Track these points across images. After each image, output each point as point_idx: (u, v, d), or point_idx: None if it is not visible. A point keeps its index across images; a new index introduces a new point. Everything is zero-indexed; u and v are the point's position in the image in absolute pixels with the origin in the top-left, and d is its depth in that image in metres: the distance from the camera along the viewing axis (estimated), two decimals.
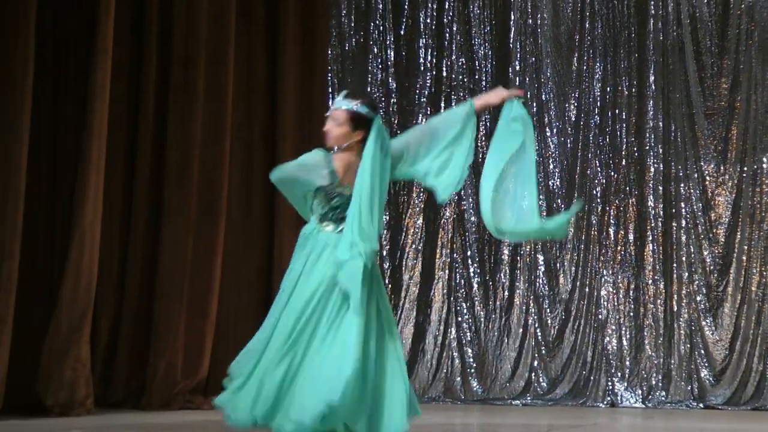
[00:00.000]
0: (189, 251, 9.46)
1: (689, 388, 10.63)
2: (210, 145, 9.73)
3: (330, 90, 11.42)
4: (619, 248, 10.99)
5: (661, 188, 10.97)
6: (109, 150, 8.88)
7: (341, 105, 5.63)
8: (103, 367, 9.17)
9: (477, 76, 11.43)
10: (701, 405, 10.54)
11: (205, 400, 9.45)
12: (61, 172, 8.98)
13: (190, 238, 9.48)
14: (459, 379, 11.01)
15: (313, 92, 11.10)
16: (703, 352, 10.69)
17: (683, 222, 10.90)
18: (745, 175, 10.84)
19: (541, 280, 11.05)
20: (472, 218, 11.26)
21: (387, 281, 11.25)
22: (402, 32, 11.62)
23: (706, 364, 10.66)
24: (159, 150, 9.55)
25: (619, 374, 10.76)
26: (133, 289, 9.37)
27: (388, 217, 11.33)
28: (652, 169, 11.01)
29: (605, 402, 10.70)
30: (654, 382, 10.70)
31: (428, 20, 11.58)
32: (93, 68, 8.69)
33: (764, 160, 10.82)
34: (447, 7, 11.55)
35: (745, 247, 10.75)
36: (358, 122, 5.60)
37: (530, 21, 11.40)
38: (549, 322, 10.97)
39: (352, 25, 11.61)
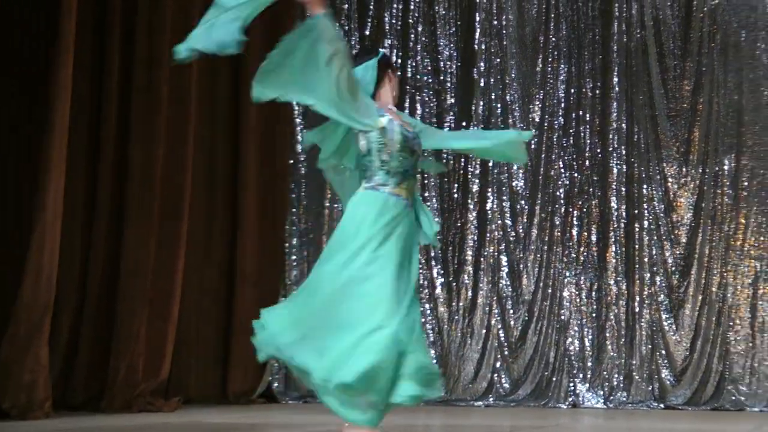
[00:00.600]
0: (151, 253, 9.43)
1: (650, 389, 10.66)
2: (173, 148, 9.70)
3: None
4: (581, 249, 11.00)
5: (623, 190, 10.98)
6: (72, 150, 8.85)
7: None
8: (63, 368, 9.11)
9: (442, 77, 11.41)
10: (662, 405, 10.58)
11: (166, 402, 9.43)
12: (22, 171, 8.93)
13: (152, 240, 9.44)
14: None
15: None
16: (664, 352, 10.72)
17: (645, 223, 10.92)
18: (706, 176, 10.87)
19: (504, 281, 11.04)
20: (436, 219, 11.24)
21: None
22: (367, 32, 11.58)
23: (667, 365, 10.69)
24: (122, 151, 9.52)
25: (581, 375, 10.77)
26: (95, 290, 9.32)
27: None
28: (615, 171, 11.02)
29: (567, 403, 10.72)
30: (615, 383, 10.72)
31: (393, 21, 11.55)
32: (55, 67, 8.64)
33: (725, 162, 10.85)
34: (412, 7, 11.52)
35: (706, 249, 10.79)
36: None
37: (495, 22, 11.39)
38: (512, 323, 10.97)
39: None
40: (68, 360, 9.18)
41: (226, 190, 10.67)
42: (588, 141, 11.13)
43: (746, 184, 10.78)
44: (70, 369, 9.18)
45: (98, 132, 9.48)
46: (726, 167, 10.85)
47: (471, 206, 11.22)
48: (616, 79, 11.10)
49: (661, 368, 10.69)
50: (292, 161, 11.32)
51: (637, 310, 10.82)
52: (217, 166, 10.64)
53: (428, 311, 11.11)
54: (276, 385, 11.03)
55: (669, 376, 10.69)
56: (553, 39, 11.28)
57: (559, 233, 11.07)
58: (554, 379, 10.77)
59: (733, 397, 10.50)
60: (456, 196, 11.23)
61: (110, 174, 9.46)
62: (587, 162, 11.08)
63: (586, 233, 11.03)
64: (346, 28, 11.55)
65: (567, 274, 10.97)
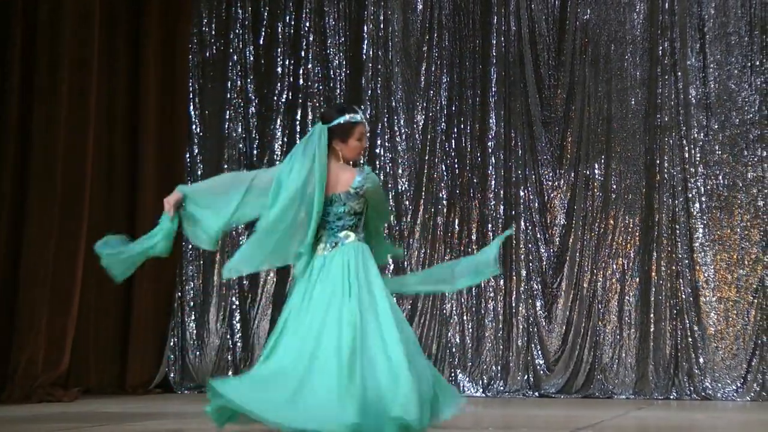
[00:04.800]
0: (51, 251, 9.31)
1: (525, 378, 10.77)
2: (73, 147, 9.58)
3: (191, 95, 11.31)
4: (462, 247, 11.08)
5: (502, 192, 11.08)
6: None
7: None
8: None
9: (332, 84, 11.44)
10: (536, 394, 10.70)
11: (66, 392, 9.31)
12: None
13: (53, 237, 9.33)
14: None
15: (175, 98, 11.02)
16: (538, 344, 10.84)
17: (522, 223, 11.03)
18: (578, 180, 11.01)
19: (389, 278, 11.03)
20: None
21: (244, 278, 11.19)
22: (261, 41, 11.55)
23: (541, 356, 10.82)
24: (23, 150, 9.38)
25: (462, 366, 10.85)
26: None
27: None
28: (494, 174, 11.12)
29: None
30: (493, 373, 10.82)
31: (286, 30, 11.54)
32: None
33: (596, 166, 11.01)
34: (303, 17, 11.53)
35: (578, 248, 10.93)
36: None
37: (382, 33, 11.45)
38: None
39: (213, 33, 11.51)
40: None
41: (124, 188, 10.57)
42: (468, 146, 11.21)
43: (615, 187, 10.94)
44: None
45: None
46: (596, 171, 11.00)
47: None
48: (494, 88, 11.20)
49: (536, 359, 10.82)
50: (189, 161, 11.26)
51: (513, 304, 10.94)
52: (116, 165, 10.54)
53: None
54: (172, 375, 10.97)
55: (543, 366, 10.82)
56: (436, 49, 11.37)
57: (441, 232, 11.15)
58: (436, 369, 10.79)
59: (602, 386, 10.65)
60: None
61: (11, 173, 9.32)
62: (468, 165, 11.17)
63: (466, 232, 11.11)
64: (241, 36, 11.53)
65: None
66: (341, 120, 5.56)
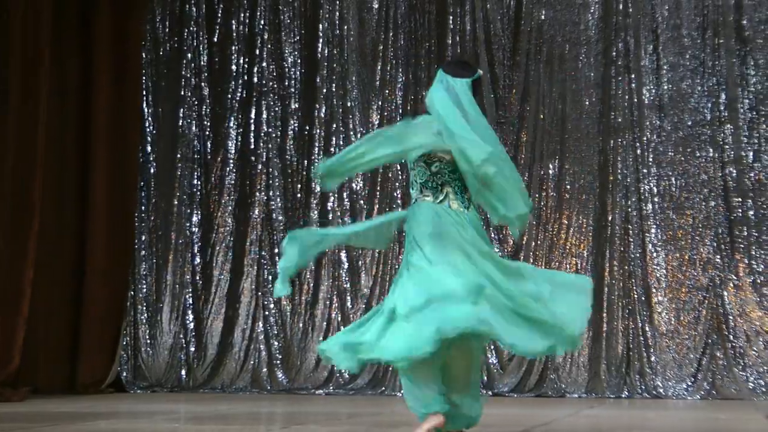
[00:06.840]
0: (1, 250, 9.21)
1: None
2: (23, 145, 9.50)
3: (144, 93, 11.25)
4: None
5: None
6: None
7: None
8: None
9: (286, 83, 11.42)
10: (490, 392, 10.69)
11: (15, 392, 9.23)
12: None
13: (2, 237, 9.28)
14: (265, 370, 10.98)
15: (127, 95, 10.94)
16: (491, 343, 10.81)
17: None
18: (532, 180, 11.03)
19: (344, 277, 11.07)
20: (280, 217, 11.24)
21: (198, 276, 11.16)
22: (215, 39, 11.51)
23: (495, 355, 10.83)
24: None
25: None
26: None
27: (199, 216, 11.25)
28: None
29: (401, 391, 10.73)
30: None
31: (240, 28, 11.51)
32: None
33: (550, 166, 11.04)
34: (258, 15, 11.50)
35: (532, 247, 10.96)
36: None
37: (337, 31, 11.44)
38: (351, 316, 10.98)
39: (167, 30, 11.46)
40: None
41: (76, 187, 10.50)
42: None
43: (569, 187, 10.97)
44: None
45: None
46: (550, 171, 11.04)
47: (313, 205, 11.24)
48: None
49: (489, 358, 10.83)
50: (142, 159, 11.20)
51: None
52: (67, 164, 10.46)
53: (272, 305, 11.11)
54: (125, 374, 10.91)
55: (496, 365, 10.84)
56: (392, 48, 11.37)
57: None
58: (390, 368, 10.81)
59: (555, 385, 10.69)
60: (299, 195, 11.25)
61: None
62: None
63: None
64: (195, 33, 11.50)
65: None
66: (479, 74, 5.88)
